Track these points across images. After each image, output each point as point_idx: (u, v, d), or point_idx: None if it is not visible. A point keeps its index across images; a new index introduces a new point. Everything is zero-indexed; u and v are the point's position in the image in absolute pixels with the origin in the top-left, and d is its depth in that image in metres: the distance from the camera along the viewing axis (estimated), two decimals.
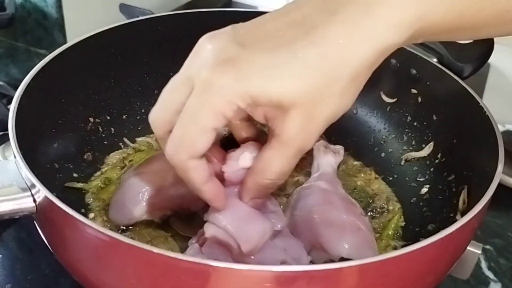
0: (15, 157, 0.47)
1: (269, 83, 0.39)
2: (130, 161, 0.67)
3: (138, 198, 0.57)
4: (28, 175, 0.45)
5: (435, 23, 0.40)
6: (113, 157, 0.67)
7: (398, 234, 0.60)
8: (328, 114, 0.41)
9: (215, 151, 0.49)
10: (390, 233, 0.60)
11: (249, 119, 0.50)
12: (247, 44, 0.40)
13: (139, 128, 0.71)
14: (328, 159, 0.65)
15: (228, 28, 0.42)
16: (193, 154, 0.42)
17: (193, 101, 0.40)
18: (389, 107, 0.70)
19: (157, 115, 0.44)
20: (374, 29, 0.39)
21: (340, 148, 0.67)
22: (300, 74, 0.39)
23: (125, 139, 0.69)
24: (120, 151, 0.68)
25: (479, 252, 0.52)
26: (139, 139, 0.70)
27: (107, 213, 0.59)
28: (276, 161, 0.43)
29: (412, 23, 0.39)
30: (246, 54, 0.39)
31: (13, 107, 0.52)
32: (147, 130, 0.71)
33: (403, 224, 0.62)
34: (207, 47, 0.41)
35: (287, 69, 0.39)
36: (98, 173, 0.64)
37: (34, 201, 0.46)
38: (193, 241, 0.51)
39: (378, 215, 0.63)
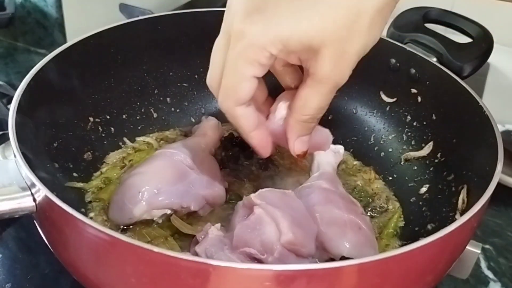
0: (15, 156, 0.47)
1: (297, 27, 0.41)
2: (130, 160, 0.67)
3: (138, 198, 0.57)
4: (28, 175, 0.45)
5: None
6: (113, 157, 0.67)
7: (397, 233, 0.61)
8: (358, 48, 0.43)
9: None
10: (390, 232, 0.60)
11: (292, 65, 0.51)
12: None
13: (139, 127, 0.71)
14: (328, 159, 0.65)
15: None
16: (238, 101, 0.45)
17: (230, 53, 0.43)
18: (388, 106, 0.70)
19: (210, 76, 0.47)
20: None
21: (340, 148, 0.68)
22: (326, 14, 0.41)
23: (125, 139, 0.69)
24: (120, 150, 0.68)
25: (479, 251, 0.52)
26: (139, 139, 0.70)
27: (107, 212, 0.59)
28: (313, 98, 0.45)
29: None
30: (273, 1, 0.41)
31: (13, 106, 0.52)
32: (147, 129, 0.71)
33: (402, 223, 0.62)
34: (237, 1, 0.43)
35: (313, 10, 0.41)
36: (98, 172, 0.64)
37: (34, 200, 0.46)
38: (202, 236, 0.51)
39: (378, 215, 0.63)
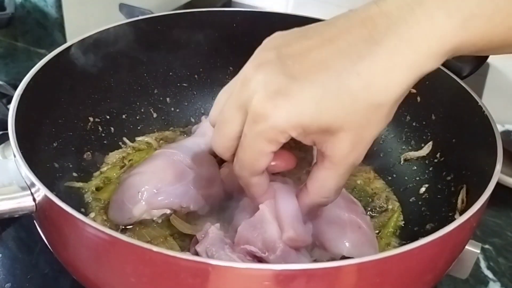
0: (14, 156, 0.47)
1: (319, 114, 0.42)
2: (129, 160, 0.67)
3: (137, 198, 0.57)
4: (27, 174, 0.45)
5: (469, 48, 0.43)
6: (113, 157, 0.67)
7: (397, 233, 0.61)
8: (375, 134, 0.44)
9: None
10: (389, 231, 0.60)
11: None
12: (296, 76, 0.42)
13: (138, 127, 0.71)
14: None
15: (273, 55, 0.43)
16: (254, 173, 0.47)
17: (250, 131, 0.44)
18: None
19: (219, 144, 0.48)
20: (417, 59, 0.41)
21: None
22: (348, 106, 0.41)
23: (125, 139, 0.69)
24: (119, 150, 0.68)
25: (478, 251, 0.52)
26: (138, 139, 0.70)
27: (106, 212, 0.59)
28: (330, 179, 0.46)
29: (450, 50, 0.42)
30: (297, 86, 0.42)
31: (13, 106, 0.52)
32: (146, 129, 0.72)
33: (402, 223, 0.62)
34: (257, 78, 0.43)
35: (336, 101, 0.41)
36: (98, 172, 0.65)
37: (34, 200, 0.46)
38: (202, 236, 0.51)
39: (378, 214, 0.63)
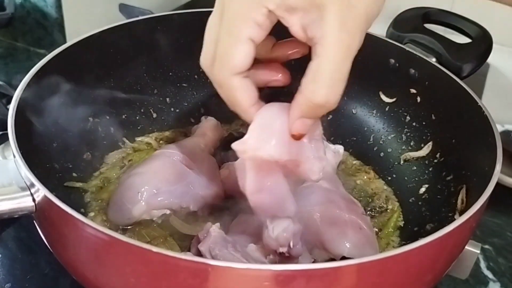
0: (14, 156, 0.47)
1: None
2: (129, 160, 0.67)
3: (137, 198, 0.57)
4: (27, 175, 0.45)
5: None
6: (113, 157, 0.67)
7: (397, 233, 0.61)
8: (367, 4, 0.40)
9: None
10: (389, 231, 0.60)
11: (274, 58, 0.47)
12: None
13: (138, 127, 0.71)
14: (328, 159, 0.65)
15: None
16: (234, 69, 0.42)
17: (225, 16, 0.41)
18: (388, 107, 0.70)
19: (204, 55, 0.44)
20: None
21: (339, 148, 0.68)
22: None
23: (124, 139, 0.69)
24: (119, 150, 0.68)
25: (478, 251, 0.52)
26: (138, 139, 0.70)
27: (106, 212, 0.59)
28: (324, 68, 0.40)
29: None
30: None
31: (12, 106, 0.52)
32: (146, 129, 0.72)
33: (402, 223, 0.62)
34: None
35: None
36: (97, 172, 0.65)
37: (34, 200, 0.46)
38: (204, 235, 0.51)
39: (378, 215, 0.63)
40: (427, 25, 0.69)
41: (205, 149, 0.65)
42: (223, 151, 0.68)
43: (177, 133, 0.73)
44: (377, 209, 0.64)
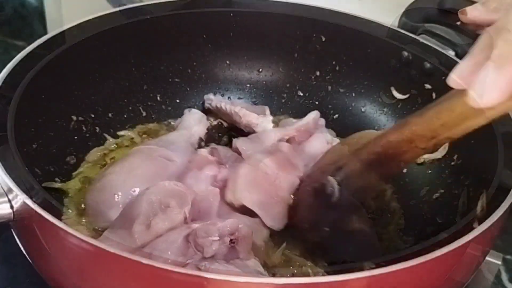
0: None
1: None
2: (111, 158, 0.66)
3: (113, 201, 0.57)
4: (4, 179, 0.45)
5: None
6: (94, 154, 0.66)
7: (400, 235, 0.61)
8: None
9: None
10: (391, 234, 0.61)
11: None
12: None
13: (126, 127, 0.71)
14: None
15: None
16: None
17: None
18: (400, 104, 0.70)
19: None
20: None
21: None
22: None
23: (106, 135, 0.68)
24: (100, 147, 0.67)
25: (499, 262, 0.52)
26: (121, 133, 0.70)
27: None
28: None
29: None
30: None
31: None
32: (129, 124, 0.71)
33: (403, 226, 0.62)
34: None
35: None
36: (76, 172, 0.64)
37: (11, 207, 0.46)
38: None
39: (378, 217, 0.63)
40: (443, 14, 0.69)
41: (189, 141, 0.66)
42: (212, 141, 0.70)
43: (162, 126, 0.73)
44: (379, 211, 0.64)
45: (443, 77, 0.65)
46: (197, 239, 0.49)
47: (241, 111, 0.69)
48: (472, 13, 0.64)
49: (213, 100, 0.73)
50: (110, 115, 0.70)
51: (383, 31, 0.69)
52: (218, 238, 0.49)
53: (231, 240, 0.50)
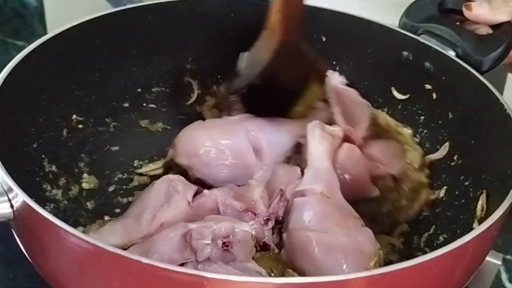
0: None
1: None
2: None
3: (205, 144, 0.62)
4: (5, 178, 0.45)
5: None
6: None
7: (401, 239, 0.61)
8: None
9: None
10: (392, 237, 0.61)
11: None
12: None
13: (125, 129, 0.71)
14: (325, 148, 0.61)
15: None
16: None
17: None
18: (400, 104, 0.70)
19: None
20: None
21: (338, 131, 0.62)
22: None
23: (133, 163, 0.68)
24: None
25: (499, 262, 0.52)
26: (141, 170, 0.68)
27: None
28: None
29: None
30: None
31: None
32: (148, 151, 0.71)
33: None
34: None
35: None
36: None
37: (12, 206, 0.46)
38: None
39: (379, 221, 0.63)
40: (444, 14, 0.69)
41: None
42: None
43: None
44: (379, 215, 0.63)
45: (443, 77, 0.66)
46: (192, 241, 0.49)
47: None
48: (476, 10, 0.64)
49: None
50: (111, 116, 0.70)
51: (383, 31, 0.69)
52: (210, 241, 0.49)
53: (223, 243, 0.50)
